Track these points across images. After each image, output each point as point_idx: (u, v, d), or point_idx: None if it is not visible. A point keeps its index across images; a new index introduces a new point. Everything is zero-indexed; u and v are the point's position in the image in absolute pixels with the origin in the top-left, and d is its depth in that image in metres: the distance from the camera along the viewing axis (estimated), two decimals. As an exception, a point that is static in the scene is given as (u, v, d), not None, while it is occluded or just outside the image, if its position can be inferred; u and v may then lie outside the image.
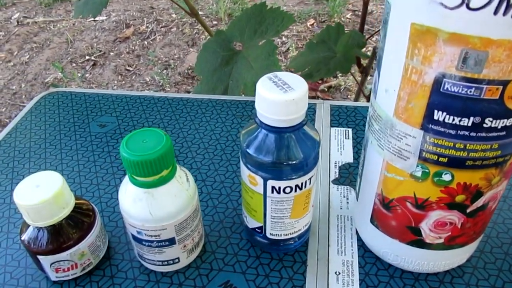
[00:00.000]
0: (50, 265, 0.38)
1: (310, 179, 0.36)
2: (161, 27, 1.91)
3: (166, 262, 0.39)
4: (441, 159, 0.30)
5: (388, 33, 0.29)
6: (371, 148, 0.35)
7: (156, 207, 0.35)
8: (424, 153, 0.30)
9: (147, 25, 1.94)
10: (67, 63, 1.75)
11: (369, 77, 1.03)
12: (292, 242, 0.41)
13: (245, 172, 0.36)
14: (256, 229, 0.40)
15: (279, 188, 0.35)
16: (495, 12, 0.23)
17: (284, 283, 0.39)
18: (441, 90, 0.26)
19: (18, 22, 1.99)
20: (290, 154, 0.34)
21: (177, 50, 1.78)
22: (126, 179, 0.36)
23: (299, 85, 0.33)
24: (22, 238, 0.38)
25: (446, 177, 0.30)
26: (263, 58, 0.65)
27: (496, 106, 0.26)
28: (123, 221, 0.38)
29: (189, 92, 1.55)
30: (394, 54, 0.28)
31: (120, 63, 1.73)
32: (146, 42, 1.85)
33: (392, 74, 0.29)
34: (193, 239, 0.39)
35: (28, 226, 0.37)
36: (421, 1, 0.24)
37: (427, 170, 0.31)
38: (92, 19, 1.99)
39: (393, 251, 0.38)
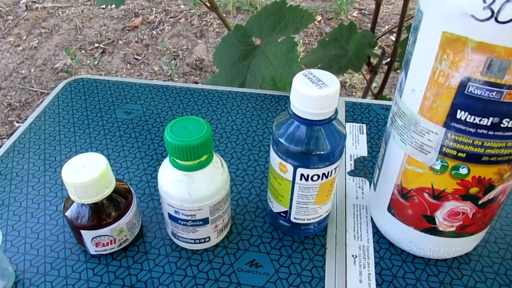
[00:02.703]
0: (91, 240, 0.41)
1: (335, 169, 0.39)
2: (170, 18, 1.94)
3: (198, 241, 0.42)
4: (459, 154, 0.33)
5: (419, 39, 0.32)
6: (393, 142, 0.38)
7: (194, 189, 0.38)
8: (444, 148, 0.33)
9: (156, 15, 1.96)
10: (76, 50, 1.77)
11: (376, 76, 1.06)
12: (312, 227, 0.44)
13: (276, 160, 0.40)
14: (281, 213, 0.43)
15: (308, 175, 0.39)
16: (519, 26, 0.26)
17: (306, 263, 0.42)
18: (465, 92, 0.30)
19: (26, 6, 2.00)
20: (319, 145, 0.37)
21: (185, 41, 1.80)
22: (166, 162, 0.39)
23: (332, 82, 0.36)
24: (66, 214, 0.41)
25: (463, 171, 0.34)
26: (282, 54, 0.68)
27: (513, 108, 0.29)
28: (160, 201, 0.41)
29: (197, 83, 1.57)
30: (423, 58, 0.31)
31: (129, 52, 1.75)
32: (154, 32, 1.87)
33: (420, 76, 0.32)
34: (223, 220, 0.42)
35: (72, 203, 0.40)
36: (453, 13, 0.28)
37: (446, 164, 0.34)
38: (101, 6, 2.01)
39: (408, 237, 0.41)
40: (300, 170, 0.38)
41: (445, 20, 0.29)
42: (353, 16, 2.07)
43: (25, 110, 1.51)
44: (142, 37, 1.84)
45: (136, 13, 1.99)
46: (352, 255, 0.43)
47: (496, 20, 0.26)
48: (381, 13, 2.08)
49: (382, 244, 0.44)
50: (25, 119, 1.49)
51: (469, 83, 0.29)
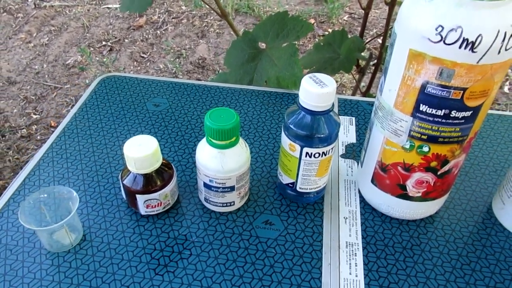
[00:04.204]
0: (144, 202, 0.53)
1: (331, 149, 0.52)
2: (172, 18, 2.05)
3: (225, 204, 0.54)
4: (422, 136, 0.45)
5: (394, 53, 0.44)
6: (375, 129, 0.50)
7: (225, 162, 0.50)
8: (412, 132, 0.46)
9: (159, 15, 2.07)
10: (85, 47, 1.88)
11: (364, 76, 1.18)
12: (312, 196, 0.57)
13: (287, 142, 0.52)
14: (289, 184, 0.56)
15: (311, 153, 0.51)
16: (459, 47, 0.38)
17: (308, 222, 0.54)
18: (425, 91, 0.42)
19: (35, 5, 2.10)
20: (320, 130, 0.50)
21: (187, 41, 1.92)
22: (203, 142, 0.51)
23: (330, 83, 0.48)
24: (124, 182, 0.52)
25: (425, 149, 0.46)
26: (286, 58, 0.80)
27: (458, 103, 0.42)
28: (197, 173, 0.53)
29: (200, 80, 1.69)
30: (397, 66, 0.44)
31: (135, 50, 1.86)
32: (158, 32, 1.98)
33: (395, 79, 0.45)
34: (244, 189, 0.54)
35: (129, 173, 0.52)
36: (416, 35, 0.40)
37: (413, 144, 0.46)
38: (106, 6, 2.11)
39: (386, 202, 0.54)
40: (305, 149, 0.51)
41: (410, 40, 0.41)
42: (344, 19, 2.20)
43: (40, 103, 1.62)
44: (147, 36, 1.95)
45: (140, 13, 2.10)
46: (344, 217, 0.55)
47: (444, 42, 0.38)
48: (369, 18, 2.21)
49: (366, 209, 0.57)
50: (41, 112, 1.59)
51: (428, 85, 0.42)
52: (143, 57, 1.83)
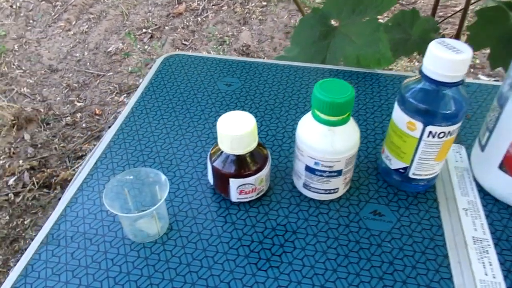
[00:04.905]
0: (237, 187, 0.46)
1: (457, 128, 0.44)
2: (212, 5, 1.99)
3: (328, 191, 0.47)
4: None
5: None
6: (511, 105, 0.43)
7: (336, 142, 0.43)
8: None
9: (199, 2, 2.02)
10: (130, 32, 1.84)
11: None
12: (423, 184, 0.49)
13: (404, 119, 0.45)
14: (399, 170, 0.48)
15: (435, 133, 0.43)
16: None
17: (423, 214, 0.47)
18: None
19: (73, -7, 2.07)
20: (447, 105, 0.42)
21: (229, 28, 1.86)
22: (307, 119, 0.44)
23: (466, 50, 0.41)
24: (214, 164, 0.46)
25: None
26: (367, 34, 0.73)
27: None
28: (297, 155, 0.47)
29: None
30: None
31: (177, 37, 1.81)
32: (199, 19, 1.93)
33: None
34: (350, 174, 0.47)
35: (220, 154, 0.46)
36: None
37: None
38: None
39: (519, 191, 0.46)
40: (429, 128, 0.43)
41: None
42: (400, 2, 2.09)
43: (83, 90, 1.59)
44: (187, 23, 1.90)
45: (179, 1, 2.05)
46: (463, 209, 0.48)
47: None
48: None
49: (487, 200, 0.49)
50: (85, 99, 1.56)
51: None
52: (185, 44, 1.78)
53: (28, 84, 1.65)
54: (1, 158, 1.36)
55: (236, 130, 0.43)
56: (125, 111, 0.63)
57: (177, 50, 1.74)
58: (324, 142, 0.43)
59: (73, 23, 1.94)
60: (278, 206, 0.48)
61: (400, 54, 0.93)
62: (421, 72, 0.43)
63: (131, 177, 0.44)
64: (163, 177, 0.44)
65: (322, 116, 0.42)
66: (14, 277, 0.42)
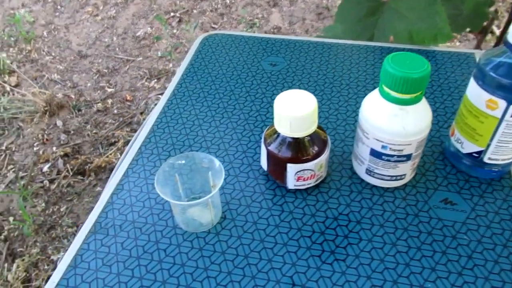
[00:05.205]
0: (295, 173, 0.43)
1: (544, 106, 0.39)
2: (241, -13, 1.94)
3: (394, 177, 0.43)
4: None
5: None
6: None
7: (408, 123, 0.39)
8: None
9: (226, -16, 1.97)
10: (153, 19, 1.81)
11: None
12: (497, 170, 0.45)
13: (483, 97, 0.40)
14: (473, 154, 0.44)
15: (521, 112, 0.39)
16: None
17: (500, 203, 0.43)
18: None
19: (100, -22, 2.05)
20: (537, 80, 0.37)
21: (259, 10, 1.80)
22: (374, 98, 0.40)
23: None
24: (270, 148, 0.43)
25: None
26: (422, 8, 0.67)
27: None
28: (360, 138, 0.43)
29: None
30: None
31: (206, 21, 1.77)
32: (227, 1, 1.88)
33: None
34: (418, 159, 0.43)
35: (276, 137, 0.42)
36: None
37: None
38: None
39: None
40: (513, 106, 0.39)
41: None
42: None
43: (113, 76, 1.57)
44: (216, 6, 1.86)
45: (207, -17, 2.00)
46: (545, 196, 0.43)
47: None
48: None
49: None
50: (115, 85, 1.54)
51: None
52: (213, 27, 1.74)
53: (58, 70, 1.65)
54: (35, 145, 1.36)
55: (296, 111, 0.40)
56: (167, 94, 0.60)
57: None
58: (395, 123, 0.39)
59: (101, 8, 1.93)
60: (338, 193, 0.44)
61: (452, 31, 0.87)
62: (506, 42, 0.38)
63: (183, 161, 0.41)
64: (218, 163, 0.40)
65: (393, 93, 0.38)
66: (63, 268, 0.40)
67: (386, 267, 0.38)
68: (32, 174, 1.27)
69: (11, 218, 1.16)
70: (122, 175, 0.48)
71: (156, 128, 0.54)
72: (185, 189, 0.44)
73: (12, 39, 1.83)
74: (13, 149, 1.36)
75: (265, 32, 1.67)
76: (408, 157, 0.41)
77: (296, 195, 0.45)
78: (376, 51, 0.65)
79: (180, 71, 0.64)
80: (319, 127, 0.43)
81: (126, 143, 1.33)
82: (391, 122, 0.39)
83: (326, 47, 0.67)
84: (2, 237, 1.12)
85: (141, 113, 1.43)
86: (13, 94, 1.56)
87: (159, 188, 0.39)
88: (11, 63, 1.70)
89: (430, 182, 0.45)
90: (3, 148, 1.36)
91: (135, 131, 1.38)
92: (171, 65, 1.63)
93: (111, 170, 1.26)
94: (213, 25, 1.76)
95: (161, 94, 1.51)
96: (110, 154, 1.29)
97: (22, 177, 1.26)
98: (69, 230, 1.12)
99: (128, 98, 1.48)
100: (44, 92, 1.53)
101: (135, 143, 0.53)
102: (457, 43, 1.59)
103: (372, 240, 0.40)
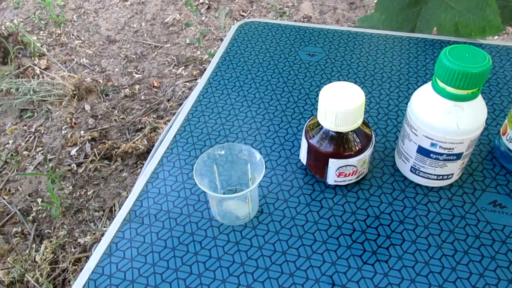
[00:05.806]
0: (337, 169, 0.41)
1: None
2: (271, -26, 1.90)
3: (440, 177, 0.41)
4: None
5: None
6: None
7: (463, 120, 0.37)
8: None
9: (256, -29, 1.94)
10: (182, 6, 1.80)
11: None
12: (551, 173, 0.42)
13: (543, 96, 0.37)
14: (527, 155, 0.41)
15: None
16: None
17: (554, 208, 0.40)
18: None
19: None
20: None
21: (289, -2, 1.77)
22: (425, 92, 0.38)
23: None
24: (311, 141, 0.41)
25: None
26: (469, -2, 0.64)
27: None
28: (406, 133, 0.41)
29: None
30: None
31: (235, 8, 1.75)
32: (257, -11, 1.86)
33: None
34: (468, 158, 0.41)
35: (319, 131, 0.41)
36: None
37: None
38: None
39: None
40: None
41: None
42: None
43: (141, 62, 1.57)
44: (245, -7, 1.83)
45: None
46: None
47: None
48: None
49: None
50: (143, 71, 1.54)
51: None
52: (242, 15, 1.72)
53: (87, 55, 1.66)
54: (63, 128, 1.37)
55: (343, 104, 0.38)
56: (202, 81, 0.59)
57: (235, 21, 1.68)
58: (448, 120, 0.37)
59: (130, -7, 1.93)
60: (380, 191, 0.43)
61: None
62: None
63: (223, 152, 0.40)
64: (259, 156, 0.39)
65: (449, 89, 0.36)
66: (98, 255, 0.39)
67: (431, 271, 0.36)
68: (60, 157, 1.29)
69: (39, 200, 1.18)
70: (156, 164, 0.48)
71: (191, 117, 0.53)
72: (221, 181, 0.43)
73: (42, 22, 1.85)
74: (42, 131, 1.38)
75: (295, 21, 1.64)
76: (458, 156, 0.39)
77: (336, 191, 0.43)
78: (420, 43, 0.63)
79: (215, 59, 0.63)
80: (363, 121, 0.41)
81: (153, 129, 1.33)
82: (445, 119, 0.37)
83: (366, 37, 0.65)
84: (31, 217, 1.14)
85: (168, 100, 1.43)
86: (43, 77, 1.57)
87: (198, 179, 0.37)
88: (41, 46, 1.71)
89: (477, 183, 0.43)
90: (32, 130, 1.38)
91: (162, 117, 1.38)
92: (199, 52, 1.62)
93: (138, 156, 1.26)
94: (242, 13, 1.74)
95: (188, 81, 1.51)
96: (137, 140, 1.30)
97: (50, 160, 1.28)
98: (96, 214, 1.14)
99: (155, 84, 1.48)
100: (73, 76, 1.54)
101: (170, 132, 0.52)
102: (505, 36, 1.53)
103: (416, 241, 0.38)
